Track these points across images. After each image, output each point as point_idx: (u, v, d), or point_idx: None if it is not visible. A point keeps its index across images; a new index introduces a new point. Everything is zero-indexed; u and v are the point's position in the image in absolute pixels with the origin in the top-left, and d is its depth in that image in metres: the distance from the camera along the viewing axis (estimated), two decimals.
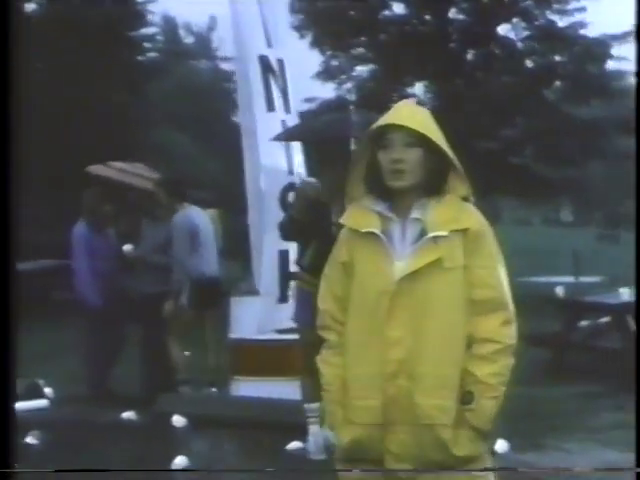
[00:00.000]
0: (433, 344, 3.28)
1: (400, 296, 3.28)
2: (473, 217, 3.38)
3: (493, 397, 3.31)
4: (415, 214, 3.35)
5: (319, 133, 7.35)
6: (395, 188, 3.34)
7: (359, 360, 3.35)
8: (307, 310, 6.14)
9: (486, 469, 3.39)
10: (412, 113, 3.40)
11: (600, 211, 28.28)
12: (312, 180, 7.04)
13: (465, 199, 3.41)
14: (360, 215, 3.41)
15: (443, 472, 3.31)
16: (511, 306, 3.39)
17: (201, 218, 8.92)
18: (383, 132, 3.35)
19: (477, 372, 3.29)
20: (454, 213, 3.35)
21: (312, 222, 6.57)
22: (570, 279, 13.87)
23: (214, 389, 8.79)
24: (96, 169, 10.52)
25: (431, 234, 3.29)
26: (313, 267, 6.23)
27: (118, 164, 10.91)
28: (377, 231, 3.33)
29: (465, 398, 3.30)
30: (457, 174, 3.38)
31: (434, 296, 3.29)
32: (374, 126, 3.37)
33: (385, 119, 3.36)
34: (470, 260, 3.32)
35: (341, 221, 3.49)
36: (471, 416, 3.30)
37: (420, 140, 3.30)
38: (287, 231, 6.99)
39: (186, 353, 8.98)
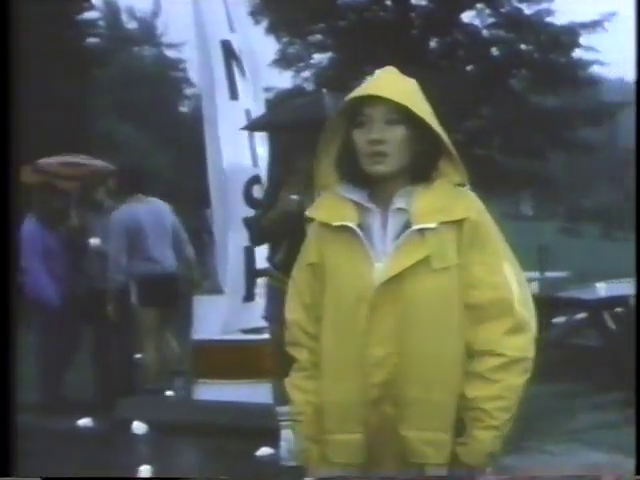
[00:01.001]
0: (423, 363, 2.69)
1: (381, 305, 2.68)
2: (469, 205, 2.76)
3: (490, 427, 2.69)
4: (398, 203, 2.74)
5: (290, 118, 7.04)
6: (375, 174, 2.74)
7: (335, 385, 2.77)
8: (278, 308, 5.87)
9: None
10: (394, 82, 2.77)
11: (562, 204, 28.24)
12: (295, 197, 6.47)
13: (459, 186, 2.81)
14: (331, 206, 2.80)
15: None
16: (521, 311, 2.74)
17: (150, 212, 8.48)
18: (359, 106, 2.73)
19: (469, 394, 2.69)
20: (446, 201, 2.74)
21: (285, 220, 6.18)
22: (535, 274, 13.61)
23: (174, 393, 8.45)
24: (41, 163, 10.02)
25: (415, 226, 2.69)
26: (285, 265, 5.84)
27: (63, 157, 10.39)
28: (352, 224, 2.73)
29: (456, 428, 2.71)
30: (450, 158, 2.78)
31: (422, 303, 2.68)
32: (347, 98, 2.74)
33: (361, 90, 2.74)
34: (466, 257, 2.71)
35: (307, 213, 2.87)
36: (462, 452, 2.71)
37: (404, 116, 2.69)
38: (258, 237, 6.66)
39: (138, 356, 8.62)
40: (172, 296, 8.47)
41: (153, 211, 8.53)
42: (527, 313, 2.77)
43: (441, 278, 2.69)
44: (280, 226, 6.19)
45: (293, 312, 2.90)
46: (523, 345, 2.73)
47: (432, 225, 2.69)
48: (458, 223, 2.72)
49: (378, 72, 2.84)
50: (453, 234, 2.71)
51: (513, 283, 2.76)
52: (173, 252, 8.58)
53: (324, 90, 6.81)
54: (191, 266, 8.85)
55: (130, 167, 9.84)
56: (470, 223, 2.72)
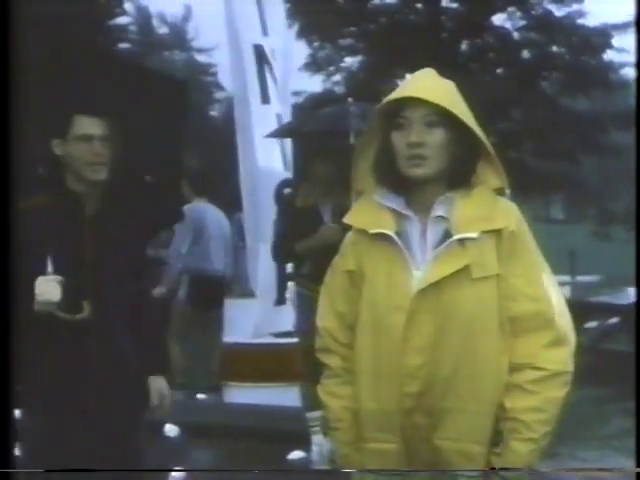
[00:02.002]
0: (459, 373, 2.66)
1: (418, 313, 2.65)
2: (509, 215, 2.72)
3: (527, 439, 2.65)
4: (439, 211, 2.71)
5: (315, 127, 7.01)
6: (413, 178, 2.70)
7: (371, 393, 2.74)
8: (307, 314, 5.80)
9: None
10: (433, 84, 2.74)
11: (593, 208, 27.96)
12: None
13: (499, 192, 2.78)
14: (369, 213, 2.77)
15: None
16: (562, 324, 2.70)
17: (212, 214, 8.62)
18: (398, 108, 2.69)
19: (508, 404, 2.66)
20: (486, 210, 2.70)
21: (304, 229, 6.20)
22: (567, 278, 13.54)
23: (206, 395, 8.45)
24: None
25: (457, 236, 2.66)
26: (314, 273, 5.88)
27: None
28: (390, 232, 2.70)
29: (493, 438, 2.69)
30: (489, 161, 2.74)
31: (461, 313, 2.65)
32: (386, 100, 2.72)
33: (400, 91, 2.71)
34: (505, 268, 2.67)
35: (345, 220, 2.84)
36: (497, 462, 2.67)
37: (444, 118, 2.66)
38: (286, 258, 6.70)
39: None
40: (219, 300, 8.54)
41: (216, 215, 8.67)
42: (566, 325, 2.73)
43: (481, 288, 2.67)
44: (315, 254, 6.18)
45: (325, 319, 2.88)
46: (563, 358, 2.71)
47: (474, 235, 2.66)
48: (498, 232, 2.69)
49: (417, 73, 2.82)
50: (493, 243, 2.68)
51: (552, 295, 2.73)
52: (230, 258, 8.70)
53: (350, 99, 6.79)
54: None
55: (201, 169, 9.98)
56: (509, 233, 2.70)
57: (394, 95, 2.71)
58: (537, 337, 2.68)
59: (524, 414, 2.66)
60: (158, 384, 3.84)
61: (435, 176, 2.72)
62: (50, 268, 3.36)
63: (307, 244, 6.27)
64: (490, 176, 2.76)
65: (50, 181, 3.68)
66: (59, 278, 3.36)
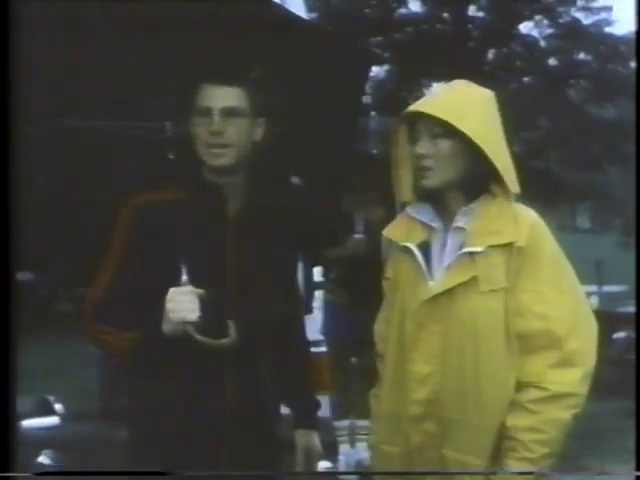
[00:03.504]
0: (463, 385, 2.66)
1: (427, 323, 2.69)
2: (521, 229, 2.67)
3: (524, 459, 2.60)
4: (459, 222, 2.71)
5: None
6: (425, 189, 2.74)
7: (389, 397, 2.80)
8: (334, 322, 5.96)
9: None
10: (449, 97, 2.77)
11: (620, 217, 27.82)
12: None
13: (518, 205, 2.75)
14: (402, 225, 2.84)
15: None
16: (574, 345, 2.63)
17: None
18: (414, 121, 2.74)
19: (509, 423, 2.62)
20: (498, 223, 2.68)
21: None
22: (594, 288, 13.41)
23: None
24: None
25: (464, 249, 2.67)
26: (341, 280, 5.97)
27: None
28: (411, 245, 2.75)
29: (493, 455, 2.65)
30: (500, 173, 2.70)
31: (467, 324, 2.65)
32: (401, 114, 2.78)
33: (414, 105, 2.78)
34: (514, 282, 2.65)
35: (384, 232, 2.91)
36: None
37: (453, 130, 2.66)
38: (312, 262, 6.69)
39: None
40: None
41: None
42: (582, 346, 2.66)
43: (488, 301, 2.64)
44: (345, 264, 6.16)
45: (378, 323, 2.96)
46: (571, 380, 2.63)
47: (479, 249, 2.65)
48: (507, 246, 2.66)
49: (445, 85, 2.86)
50: (502, 257, 2.65)
51: (564, 314, 2.66)
52: None
53: (372, 113, 6.79)
54: None
55: None
56: (519, 248, 2.65)
57: (407, 109, 2.76)
58: (543, 356, 2.63)
59: (522, 433, 2.60)
60: (308, 439, 3.05)
61: (447, 187, 2.72)
62: (185, 277, 2.62)
63: (337, 252, 6.27)
64: (497, 188, 2.74)
65: (182, 170, 2.99)
66: (198, 291, 2.61)
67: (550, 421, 2.61)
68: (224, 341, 2.64)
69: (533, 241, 2.68)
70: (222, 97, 2.73)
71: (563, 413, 2.62)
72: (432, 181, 2.70)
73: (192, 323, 2.58)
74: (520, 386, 2.63)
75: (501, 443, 2.64)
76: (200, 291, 2.59)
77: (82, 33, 3.75)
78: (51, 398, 8.67)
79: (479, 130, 2.67)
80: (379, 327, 2.94)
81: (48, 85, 3.86)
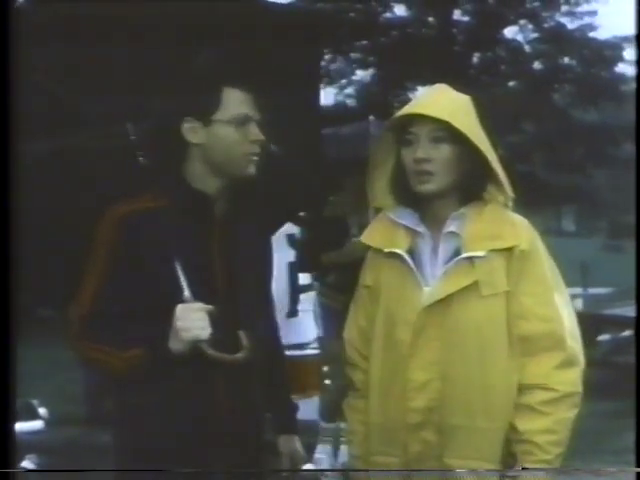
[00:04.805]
0: (467, 390, 2.63)
1: (425, 329, 2.64)
2: (520, 233, 2.68)
3: (541, 461, 2.60)
4: (451, 227, 2.68)
5: (338, 148, 7.03)
6: (423, 194, 2.68)
7: (378, 407, 2.73)
8: (329, 325, 5.79)
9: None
10: (441, 100, 2.71)
11: (605, 220, 27.95)
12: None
13: (509, 210, 2.75)
14: (384, 231, 2.77)
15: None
16: (573, 345, 2.67)
17: None
18: (407, 124, 2.67)
19: (520, 427, 2.62)
20: (496, 227, 2.67)
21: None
22: (578, 291, 13.46)
23: None
24: None
25: (465, 254, 2.64)
26: (337, 284, 5.95)
27: None
28: (401, 251, 2.69)
29: (507, 462, 2.63)
30: (496, 177, 2.70)
31: (469, 329, 2.63)
32: (395, 117, 2.71)
33: (407, 108, 2.71)
34: (516, 286, 2.65)
35: (362, 239, 2.84)
36: None
37: (450, 134, 2.63)
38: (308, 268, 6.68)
39: None
40: None
41: None
42: (577, 346, 2.70)
43: (490, 305, 2.64)
44: (341, 266, 6.18)
45: (349, 331, 2.88)
46: (573, 380, 2.68)
47: (481, 253, 2.64)
48: (508, 251, 2.66)
49: (429, 88, 2.83)
50: (503, 261, 2.65)
51: (564, 315, 2.70)
52: None
53: (371, 117, 6.78)
54: None
55: None
56: (520, 251, 2.66)
57: (401, 112, 2.70)
58: (548, 358, 2.65)
59: (537, 436, 2.60)
60: (291, 444, 2.98)
61: (444, 191, 2.69)
62: (187, 293, 2.52)
63: (333, 256, 6.28)
64: (495, 192, 2.74)
65: (168, 177, 2.74)
66: (207, 307, 2.50)
67: (561, 421, 2.63)
68: (239, 355, 2.55)
69: (533, 244, 2.70)
70: (244, 103, 2.64)
71: (570, 412, 2.65)
72: (431, 186, 2.66)
73: (205, 340, 2.49)
74: (524, 388, 2.64)
75: (511, 447, 2.64)
76: (209, 307, 2.50)
77: None
78: (35, 402, 8.67)
79: (477, 134, 2.68)
80: (350, 336, 2.86)
81: None
